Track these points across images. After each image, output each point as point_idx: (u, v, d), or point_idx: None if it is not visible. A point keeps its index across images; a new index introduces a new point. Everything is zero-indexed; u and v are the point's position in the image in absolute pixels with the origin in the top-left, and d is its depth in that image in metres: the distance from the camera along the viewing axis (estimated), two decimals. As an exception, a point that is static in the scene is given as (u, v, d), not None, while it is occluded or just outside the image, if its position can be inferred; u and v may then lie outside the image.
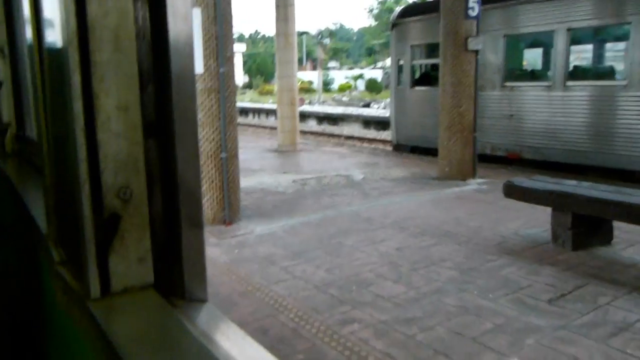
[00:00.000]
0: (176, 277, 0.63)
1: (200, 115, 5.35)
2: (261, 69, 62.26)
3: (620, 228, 4.70)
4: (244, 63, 63.09)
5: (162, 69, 0.62)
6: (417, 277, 3.88)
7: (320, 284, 3.79)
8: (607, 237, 4.59)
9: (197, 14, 5.23)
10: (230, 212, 5.47)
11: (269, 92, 42.75)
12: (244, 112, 31.18)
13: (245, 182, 7.06)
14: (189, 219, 0.62)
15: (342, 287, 3.72)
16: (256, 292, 3.70)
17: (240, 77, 59.13)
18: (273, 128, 13.26)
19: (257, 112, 30.53)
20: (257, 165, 9.28)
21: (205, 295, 0.64)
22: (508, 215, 5.62)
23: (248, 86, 58.74)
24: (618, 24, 8.16)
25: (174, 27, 0.59)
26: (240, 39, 79.47)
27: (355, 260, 4.28)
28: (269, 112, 27.34)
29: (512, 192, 4.82)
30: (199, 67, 5.29)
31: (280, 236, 5.04)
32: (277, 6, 11.09)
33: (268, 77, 56.14)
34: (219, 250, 4.64)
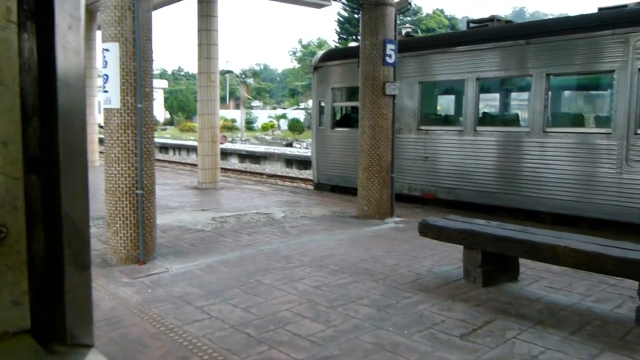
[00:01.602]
0: (57, 321, 0.59)
1: (116, 151, 5.18)
2: (183, 106, 61.51)
3: (526, 265, 4.97)
4: (166, 99, 62.14)
5: (49, 103, 0.59)
6: (335, 315, 3.88)
7: (237, 324, 3.69)
8: (514, 274, 4.83)
9: (114, 49, 5.12)
10: (144, 251, 5.27)
11: (191, 129, 42.21)
12: (164, 148, 30.51)
13: (162, 219, 6.85)
14: (73, 259, 0.59)
15: (259, 327, 3.65)
16: (169, 333, 3.55)
17: (161, 113, 58.00)
18: (194, 165, 13.02)
19: (178, 148, 29.98)
20: (176, 203, 9.05)
21: (91, 340, 0.60)
22: (423, 253, 5.79)
23: (169, 123, 57.71)
24: (521, 76, 8.81)
25: (64, 60, 0.57)
26: (163, 75, 78.36)
27: (274, 299, 4.22)
28: (190, 149, 26.91)
29: (427, 230, 4.98)
30: (115, 102, 5.15)
31: (196, 275, 4.90)
32: (200, 44, 11.08)
33: (190, 113, 55.53)
34: (131, 290, 4.44)
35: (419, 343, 3.39)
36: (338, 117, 12.05)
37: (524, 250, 4.27)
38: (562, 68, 8.07)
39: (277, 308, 4.02)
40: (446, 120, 10.80)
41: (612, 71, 7.47)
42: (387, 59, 7.80)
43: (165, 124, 56.20)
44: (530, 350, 3.29)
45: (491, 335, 3.52)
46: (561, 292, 4.52)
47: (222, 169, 12.99)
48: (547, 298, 4.34)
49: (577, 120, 8.88)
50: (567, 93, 11.77)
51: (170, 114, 61.28)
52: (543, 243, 4.12)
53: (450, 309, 4.04)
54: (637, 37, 7.17)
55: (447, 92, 11.75)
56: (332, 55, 12.09)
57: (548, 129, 8.20)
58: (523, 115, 9.54)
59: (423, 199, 9.93)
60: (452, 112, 11.73)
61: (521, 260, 4.82)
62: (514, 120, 9.97)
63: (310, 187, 12.97)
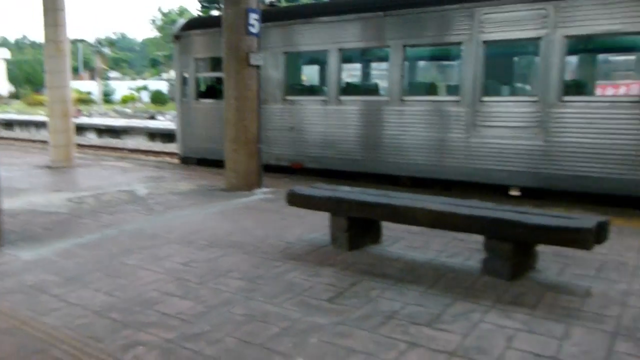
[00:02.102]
0: None
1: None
2: (30, 78, 55.94)
3: (388, 227, 5.26)
4: (9, 71, 56.14)
5: None
6: (205, 291, 3.82)
7: (99, 309, 3.49)
8: (377, 236, 5.09)
9: None
10: (-12, 239, 4.76)
11: (39, 103, 38.59)
12: (9, 125, 27.67)
13: (9, 203, 6.22)
14: None
15: (125, 310, 3.48)
16: (22, 326, 3.26)
17: (3, 86, 52.38)
18: (45, 142, 11.97)
19: (25, 124, 27.32)
20: (25, 184, 8.26)
21: None
22: (292, 222, 5.88)
23: (15, 96, 52.29)
24: (380, 47, 9.17)
25: None
26: (4, 43, 70.48)
27: (139, 280, 4.05)
28: (40, 125, 24.65)
29: (295, 200, 5.06)
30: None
31: (52, 261, 4.53)
32: (46, 10, 10.06)
33: (38, 86, 50.65)
34: (-26, 284, 3.99)
35: (289, 310, 3.46)
36: (202, 88, 11.71)
37: (386, 213, 4.51)
38: (416, 39, 8.52)
39: (143, 289, 3.86)
40: (311, 91, 10.97)
41: (460, 43, 8.04)
42: (251, 28, 7.67)
43: (10, 97, 50.82)
44: (393, 307, 3.50)
45: (357, 296, 3.69)
46: (419, 250, 4.86)
47: (78, 145, 12.07)
48: (407, 257, 4.64)
49: (431, 89, 9.47)
50: (422, 63, 12.50)
51: (15, 86, 55.47)
52: (402, 206, 4.38)
53: (318, 274, 4.17)
54: (482, 11, 7.76)
55: (311, 62, 11.91)
56: (195, 24, 11.64)
57: (405, 98, 8.66)
58: (383, 84, 9.97)
59: (291, 168, 10.07)
60: (316, 82, 11.93)
61: (383, 223, 5.09)
62: (375, 90, 10.39)
63: (176, 161, 12.53)
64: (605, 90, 15.15)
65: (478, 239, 4.38)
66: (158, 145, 19.54)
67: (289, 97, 9.99)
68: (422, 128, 8.49)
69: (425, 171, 8.56)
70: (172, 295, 3.73)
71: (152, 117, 30.59)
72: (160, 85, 46.22)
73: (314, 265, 4.41)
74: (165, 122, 26.33)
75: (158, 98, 39.30)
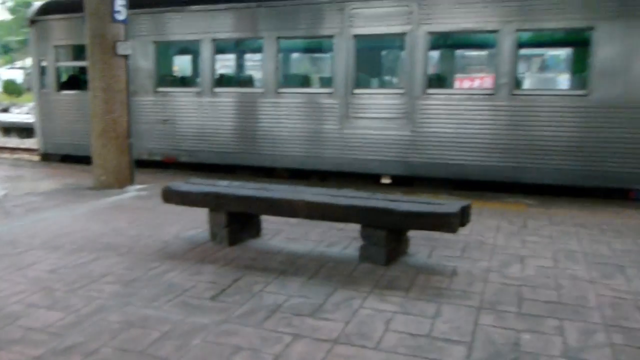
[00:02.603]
0: None
1: None
2: None
3: (268, 220, 5.28)
4: None
5: None
6: (75, 299, 3.57)
7: (-50, 330, 3.12)
8: (257, 230, 5.08)
9: None
10: None
11: None
12: None
13: None
14: None
15: (-19, 328, 3.14)
16: None
17: None
18: None
19: None
20: None
21: None
22: (169, 220, 5.69)
23: None
24: (254, 38, 9.11)
25: None
26: None
27: (-2, 293, 3.68)
28: None
29: (171, 196, 4.89)
30: None
31: None
32: None
33: None
34: None
35: (170, 312, 3.35)
36: (65, 78, 10.86)
37: (265, 207, 4.51)
38: (290, 32, 8.59)
39: (3, 303, 3.52)
40: (184, 82, 10.64)
41: (332, 36, 8.25)
42: (117, 15, 7.23)
43: None
44: (276, 300, 3.53)
45: (240, 293, 3.67)
46: (299, 241, 4.94)
47: None
48: (288, 249, 4.70)
49: (306, 81, 9.63)
50: (296, 55, 12.65)
51: None
52: (281, 199, 4.42)
53: (199, 272, 4.08)
54: (351, 6, 8.01)
55: (183, 52, 11.54)
56: (53, 7, 10.71)
57: (280, 90, 8.71)
58: (258, 76, 9.95)
59: (165, 163, 9.72)
60: (189, 73, 11.59)
61: (263, 216, 5.10)
62: (250, 82, 10.34)
63: (36, 158, 11.54)
64: (463, 83, 16.44)
65: (355, 228, 4.55)
66: (14, 141, 17.84)
67: (161, 89, 9.61)
68: (298, 120, 8.61)
69: (301, 163, 8.70)
70: (38, 307, 3.44)
71: (6, 110, 27.82)
72: (14, 74, 42.11)
73: (194, 263, 4.30)
74: (21, 115, 24.08)
75: (11, 88, 35.75)
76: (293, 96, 8.67)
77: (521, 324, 3.19)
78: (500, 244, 4.95)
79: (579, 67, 8.15)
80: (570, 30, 7.58)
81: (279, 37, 8.63)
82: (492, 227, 5.56)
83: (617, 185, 7.27)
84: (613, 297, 3.65)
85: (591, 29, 7.01)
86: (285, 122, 8.69)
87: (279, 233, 5.20)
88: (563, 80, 14.73)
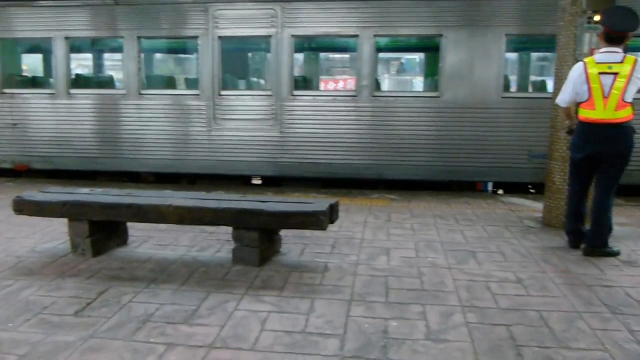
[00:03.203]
0: None
1: None
2: None
3: (134, 227, 5.07)
4: None
5: None
6: None
7: None
8: (123, 238, 4.85)
9: None
10: None
11: None
12: None
13: None
14: None
15: None
16: None
17: None
18: None
19: None
20: None
21: None
22: (22, 233, 5.22)
23: None
24: (113, 37, 8.65)
25: None
26: None
27: None
28: None
29: (24, 207, 4.49)
30: None
31: None
32: None
33: None
34: None
35: (28, 333, 3.08)
36: None
37: (131, 214, 4.33)
38: (152, 31, 8.30)
39: None
40: (35, 82, 9.80)
41: (197, 37, 8.10)
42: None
43: None
44: (147, 310, 3.40)
45: (107, 305, 3.48)
46: (169, 247, 4.80)
47: None
48: (157, 256, 4.54)
49: (171, 82, 9.35)
50: (160, 56, 12.22)
51: None
52: (148, 204, 4.26)
53: (60, 287, 3.80)
54: (215, 7, 7.93)
55: (33, 50, 10.62)
56: None
57: (143, 91, 8.38)
58: (118, 77, 9.47)
59: (15, 171, 8.90)
60: (41, 73, 10.71)
61: (129, 223, 4.88)
62: (110, 83, 9.81)
63: None
64: (327, 84, 17.02)
65: (227, 230, 4.53)
66: None
67: (8, 90, 8.77)
68: (163, 122, 8.34)
69: (168, 166, 8.44)
70: None
71: None
72: None
73: (54, 278, 4.00)
74: None
75: None
76: (157, 98, 8.38)
77: (389, 312, 3.39)
78: (368, 238, 5.21)
79: (432, 70, 8.82)
80: (422, 37, 8.18)
81: (140, 37, 8.28)
82: (359, 223, 5.83)
83: (467, 178, 8.00)
84: (467, 280, 4.02)
85: (440, 36, 7.64)
86: (150, 124, 8.37)
87: (148, 240, 5.01)
88: (419, 83, 15.83)
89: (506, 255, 4.68)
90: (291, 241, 4.94)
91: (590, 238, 4.68)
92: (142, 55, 8.58)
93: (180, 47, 10.91)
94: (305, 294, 3.70)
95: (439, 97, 7.76)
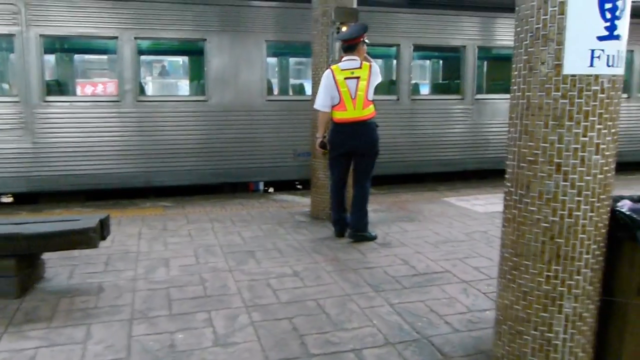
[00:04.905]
0: None
1: None
2: None
3: None
4: None
5: None
6: None
7: None
8: None
9: None
10: None
11: None
12: None
13: None
14: None
15: None
16: None
17: None
18: None
19: None
20: None
21: None
22: None
23: None
24: None
25: None
26: None
27: None
28: None
29: None
30: None
31: None
32: None
33: None
34: None
35: None
36: None
37: None
38: None
39: None
40: None
41: (13, 35, 6.89)
42: None
43: None
44: None
45: None
46: None
47: None
48: None
49: None
50: None
51: None
52: None
53: None
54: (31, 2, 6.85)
55: None
56: None
57: None
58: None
59: None
60: None
61: None
62: None
63: None
64: (85, 88, 15.72)
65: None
66: None
67: None
68: None
69: None
70: None
71: None
72: None
73: None
74: None
75: None
76: None
77: (174, 325, 3.30)
78: (144, 250, 4.98)
79: (198, 74, 8.79)
80: (186, 41, 8.10)
81: None
82: (133, 235, 5.54)
83: (240, 180, 8.20)
84: (249, 280, 4.13)
85: (204, 40, 7.66)
86: None
87: None
88: (185, 87, 15.65)
89: (282, 251, 4.94)
90: (57, 264, 4.46)
91: (353, 224, 5.23)
92: None
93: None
94: (80, 321, 3.38)
95: (206, 101, 7.79)
